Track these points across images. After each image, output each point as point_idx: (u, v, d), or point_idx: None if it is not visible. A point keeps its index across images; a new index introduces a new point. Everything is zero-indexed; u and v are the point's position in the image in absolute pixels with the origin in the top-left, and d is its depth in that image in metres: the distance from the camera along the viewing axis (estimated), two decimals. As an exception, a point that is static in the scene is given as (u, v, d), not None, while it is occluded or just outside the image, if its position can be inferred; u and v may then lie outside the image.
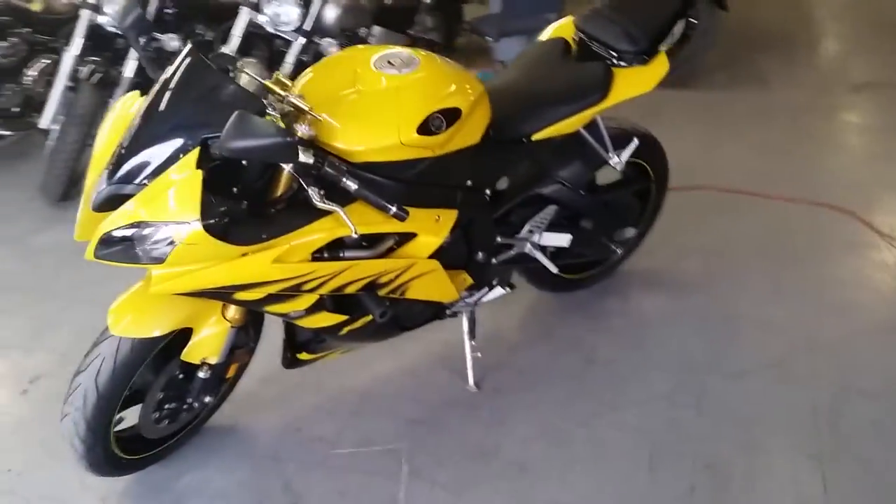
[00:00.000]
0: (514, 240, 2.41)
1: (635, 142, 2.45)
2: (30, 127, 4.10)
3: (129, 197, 1.65)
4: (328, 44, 3.91)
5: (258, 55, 3.93)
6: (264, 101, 1.76)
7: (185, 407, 2.09)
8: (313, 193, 1.72)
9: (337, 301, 2.02)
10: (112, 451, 1.99)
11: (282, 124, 1.71)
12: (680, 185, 3.20)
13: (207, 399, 2.10)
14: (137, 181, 1.67)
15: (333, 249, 1.92)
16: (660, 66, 2.35)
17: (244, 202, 1.76)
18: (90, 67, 3.75)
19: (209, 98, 1.68)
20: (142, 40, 3.76)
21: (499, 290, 2.49)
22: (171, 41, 3.99)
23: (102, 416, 1.88)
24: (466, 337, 2.49)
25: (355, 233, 1.81)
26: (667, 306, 2.82)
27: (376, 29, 4.38)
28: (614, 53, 2.33)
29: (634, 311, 2.81)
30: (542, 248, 2.51)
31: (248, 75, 1.99)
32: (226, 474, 2.20)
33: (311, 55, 3.95)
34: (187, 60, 1.71)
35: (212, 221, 1.63)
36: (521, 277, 2.71)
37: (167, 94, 1.70)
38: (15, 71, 4.06)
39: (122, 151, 1.71)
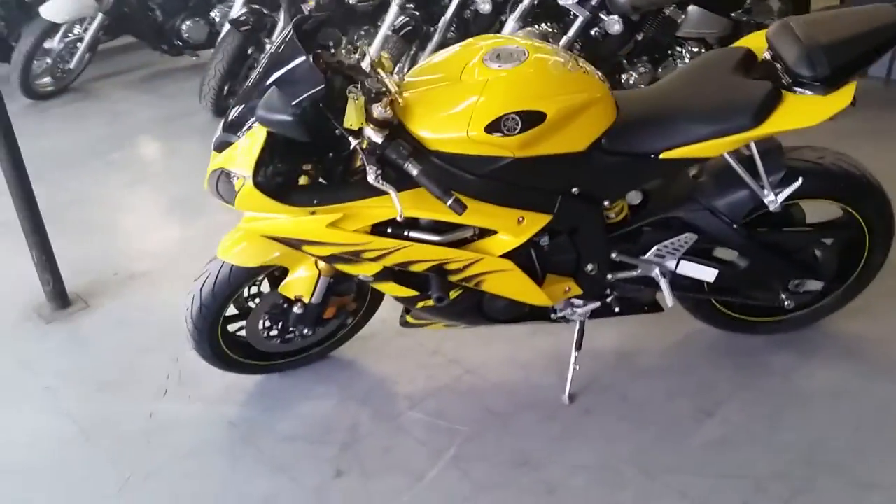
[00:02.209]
0: (638, 260, 2.22)
1: (798, 181, 2.05)
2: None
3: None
4: (612, 21, 3.79)
5: (545, 28, 3.93)
6: (360, 78, 1.90)
7: (288, 333, 2.39)
8: (370, 171, 1.84)
9: (407, 275, 2.12)
10: (221, 349, 2.37)
11: (361, 103, 1.84)
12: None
13: (306, 331, 2.38)
14: (239, 133, 1.96)
15: (402, 227, 2.02)
16: (840, 97, 1.93)
17: (307, 167, 1.95)
18: (404, 19, 4.19)
19: (289, 72, 1.87)
20: None
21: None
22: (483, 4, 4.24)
23: (204, 321, 2.26)
24: (574, 347, 2.39)
25: (400, 216, 1.89)
26: (840, 385, 2.35)
27: (692, 9, 4.08)
28: (789, 77, 1.97)
29: (799, 379, 2.39)
30: (682, 277, 2.28)
31: (356, 54, 2.08)
32: (314, 401, 2.47)
33: (602, 32, 3.89)
34: (285, 34, 1.92)
35: (261, 179, 1.86)
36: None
37: (265, 63, 1.94)
38: (374, 17, 4.72)
39: (234, 105, 2.01)
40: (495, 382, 2.49)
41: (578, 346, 2.39)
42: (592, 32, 3.93)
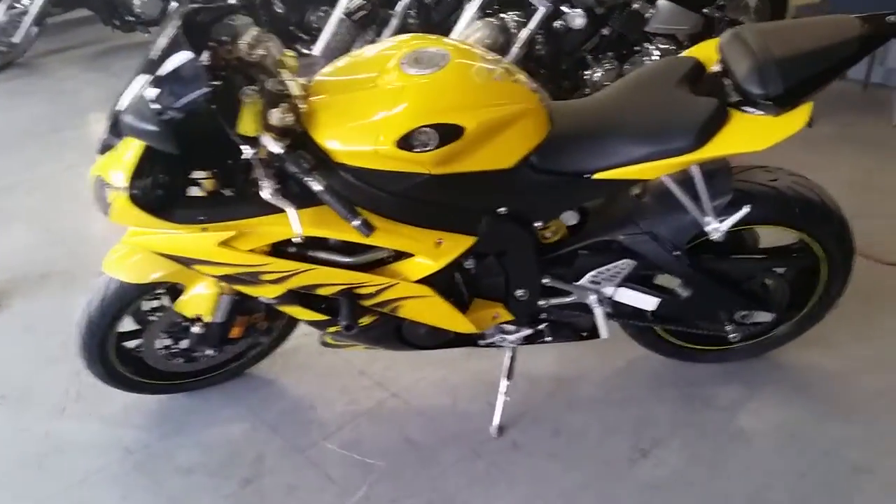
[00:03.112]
0: (572, 286, 2.03)
1: (745, 209, 1.85)
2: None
3: None
4: (575, 15, 3.58)
5: (508, 18, 3.71)
6: (261, 78, 1.68)
7: (191, 353, 2.18)
8: (265, 186, 1.63)
9: (315, 298, 1.91)
10: (116, 369, 2.16)
11: (258, 106, 1.62)
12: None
13: (209, 352, 2.16)
14: (121, 137, 1.74)
15: (306, 246, 1.82)
16: (793, 119, 1.72)
17: (205, 177, 1.74)
18: (357, 3, 3.95)
19: (173, 71, 1.65)
20: None
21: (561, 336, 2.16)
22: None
23: (94, 339, 2.04)
24: (503, 375, 2.20)
25: (300, 236, 1.69)
26: (788, 424, 2.17)
27: (661, 3, 3.86)
28: (738, 93, 1.77)
29: (744, 416, 2.21)
30: (622, 304, 2.09)
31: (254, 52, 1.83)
32: (220, 427, 2.26)
33: (565, 25, 3.67)
34: (173, 29, 1.69)
35: (137, 191, 1.65)
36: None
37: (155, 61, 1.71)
38: None
39: (117, 108, 1.78)
40: (421, 409, 2.29)
41: (509, 376, 2.20)
42: (555, 25, 3.71)
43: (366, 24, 3.99)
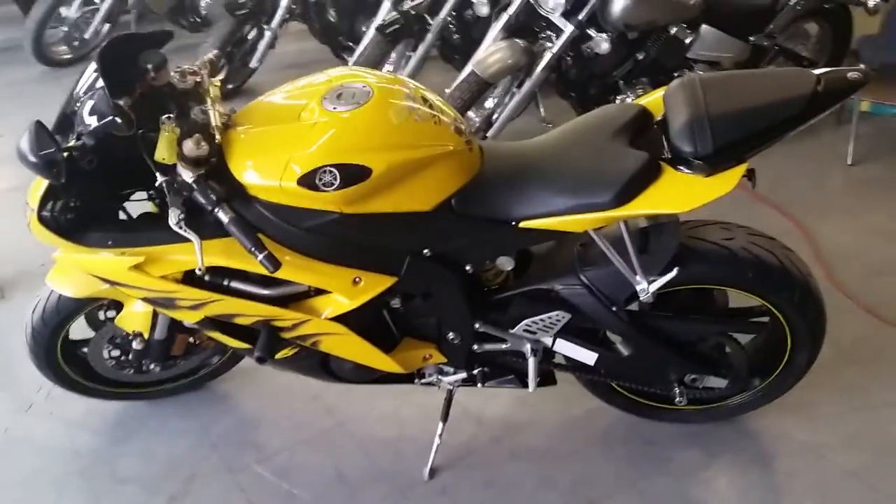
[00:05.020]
0: (506, 333, 1.95)
1: (673, 272, 1.72)
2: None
3: None
4: (600, 40, 3.44)
5: (522, 42, 3.56)
6: (189, 107, 1.70)
7: (137, 365, 2.21)
8: (172, 214, 1.64)
9: (235, 326, 1.90)
10: (67, 374, 2.21)
11: (174, 135, 1.63)
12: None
13: (154, 366, 2.18)
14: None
15: (222, 275, 1.81)
16: (722, 182, 1.59)
17: (107, 203, 1.77)
18: (391, 17, 3.93)
19: (91, 101, 1.66)
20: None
21: (505, 381, 2.09)
22: (481, 6, 3.92)
23: (39, 347, 2.10)
24: (441, 418, 2.14)
25: (200, 268, 1.69)
26: (740, 500, 2.02)
27: (705, 29, 3.68)
28: (671, 149, 1.65)
29: (695, 486, 2.07)
30: (555, 356, 2.00)
31: (186, 79, 1.81)
32: (167, 438, 2.29)
33: (590, 51, 3.53)
34: (94, 62, 1.70)
35: (46, 214, 1.68)
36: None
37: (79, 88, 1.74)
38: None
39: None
40: (362, 441, 2.26)
41: (444, 418, 2.13)
42: (584, 48, 3.59)
43: (397, 40, 3.96)
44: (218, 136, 1.67)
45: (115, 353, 2.20)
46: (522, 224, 1.73)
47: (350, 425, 2.31)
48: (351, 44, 4.95)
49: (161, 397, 2.41)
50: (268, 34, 4.73)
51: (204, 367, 2.37)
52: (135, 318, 2.05)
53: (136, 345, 2.10)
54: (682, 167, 1.63)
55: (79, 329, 2.18)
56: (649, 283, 1.75)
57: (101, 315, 2.18)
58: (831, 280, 2.75)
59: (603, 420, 2.28)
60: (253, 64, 4.82)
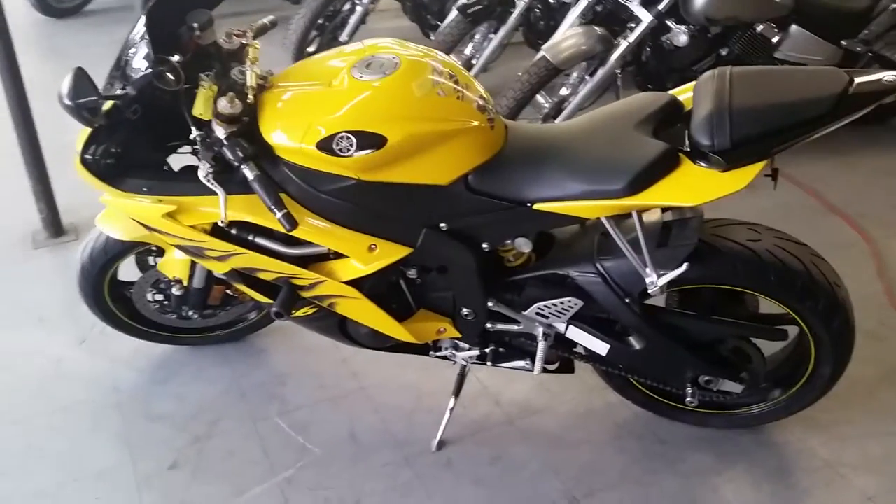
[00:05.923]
0: (518, 315, 1.96)
1: (683, 267, 1.68)
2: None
3: None
4: (678, 32, 3.35)
5: (599, 29, 3.50)
6: (231, 67, 1.79)
7: (177, 311, 2.34)
8: (201, 167, 1.73)
9: (259, 280, 1.98)
10: (115, 314, 2.36)
11: (212, 93, 1.72)
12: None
13: (192, 313, 2.31)
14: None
15: (248, 230, 1.89)
16: (736, 179, 1.54)
17: (152, 154, 1.87)
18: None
19: (139, 54, 1.76)
20: None
21: (518, 362, 2.10)
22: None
23: (88, 284, 2.25)
24: (452, 392, 2.17)
25: (223, 221, 1.78)
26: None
27: (794, 30, 3.54)
28: (689, 141, 1.61)
29: (702, 488, 2.03)
30: (575, 345, 1.99)
31: (232, 40, 1.87)
32: (201, 384, 2.41)
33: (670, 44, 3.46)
34: (143, 17, 1.80)
35: (88, 157, 1.80)
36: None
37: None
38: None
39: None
40: (380, 407, 2.32)
41: (457, 393, 2.17)
42: (663, 40, 3.52)
43: (478, 21, 3.97)
44: (251, 97, 1.75)
45: (158, 297, 2.32)
46: (537, 206, 1.73)
47: (371, 391, 2.38)
48: (439, 23, 4.99)
49: (201, 345, 2.54)
50: (359, 9, 4.81)
51: (242, 320, 2.48)
52: (175, 265, 2.17)
53: (175, 290, 2.23)
54: (699, 160, 1.59)
55: (128, 271, 2.32)
56: (659, 276, 1.72)
57: (151, 260, 2.31)
58: (890, 298, 2.62)
59: (620, 415, 2.26)
60: (343, 38, 4.91)
